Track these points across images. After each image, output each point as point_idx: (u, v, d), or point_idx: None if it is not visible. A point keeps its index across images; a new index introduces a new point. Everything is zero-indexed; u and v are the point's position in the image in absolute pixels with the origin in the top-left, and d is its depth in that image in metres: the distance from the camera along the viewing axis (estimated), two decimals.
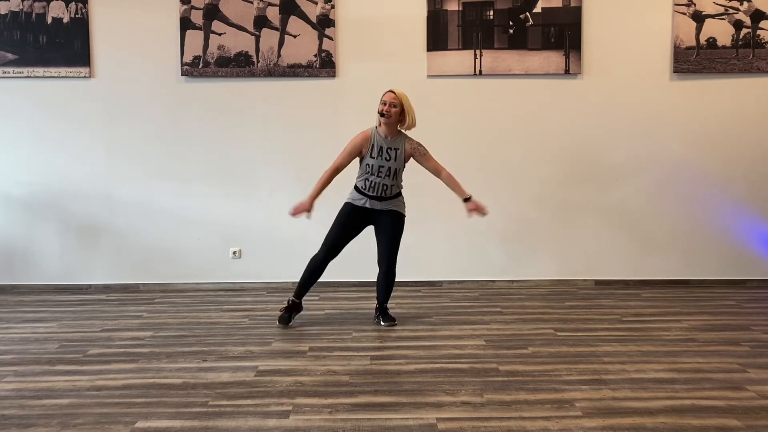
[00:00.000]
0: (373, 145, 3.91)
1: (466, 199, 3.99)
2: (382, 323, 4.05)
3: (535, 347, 3.57)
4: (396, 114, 3.87)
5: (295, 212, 3.92)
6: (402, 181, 4.03)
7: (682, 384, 3.00)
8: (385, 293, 4.09)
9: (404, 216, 4.04)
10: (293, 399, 2.85)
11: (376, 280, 4.11)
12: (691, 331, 3.88)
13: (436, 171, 4.01)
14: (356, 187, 4.00)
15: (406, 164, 4.01)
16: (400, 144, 3.94)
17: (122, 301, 4.80)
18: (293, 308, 4.11)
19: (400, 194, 4.04)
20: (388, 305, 4.16)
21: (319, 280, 5.12)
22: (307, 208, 3.90)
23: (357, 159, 3.99)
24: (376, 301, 4.17)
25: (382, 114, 3.86)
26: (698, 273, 5.26)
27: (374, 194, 3.95)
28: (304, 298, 4.18)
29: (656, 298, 4.82)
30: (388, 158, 3.91)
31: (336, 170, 3.93)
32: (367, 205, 3.96)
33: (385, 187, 3.94)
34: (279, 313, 4.12)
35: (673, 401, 2.79)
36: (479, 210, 3.97)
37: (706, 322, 4.11)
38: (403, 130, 3.97)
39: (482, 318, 4.22)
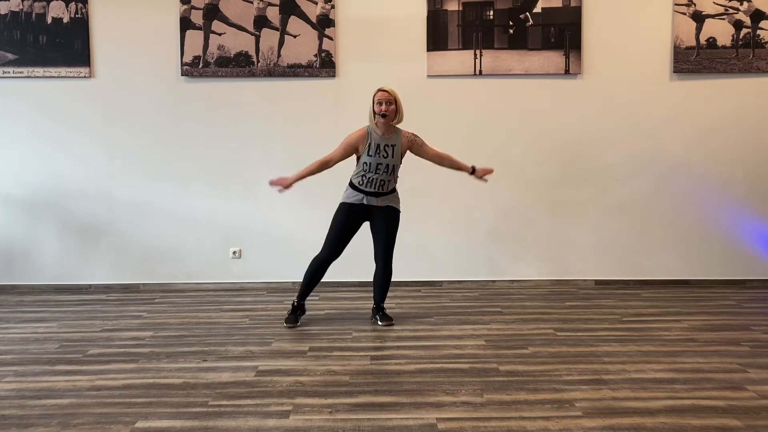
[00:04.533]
0: (370, 143, 3.92)
1: (473, 170, 4.09)
2: (380, 323, 4.05)
3: (535, 347, 3.57)
4: (393, 111, 3.89)
5: (273, 183, 4.00)
6: (398, 176, 4.05)
7: (682, 384, 3.00)
8: (381, 292, 4.11)
9: (399, 212, 4.06)
10: (293, 399, 2.85)
11: (372, 278, 4.13)
12: (691, 331, 3.88)
13: (439, 158, 4.06)
14: (352, 184, 4.01)
15: (403, 159, 4.03)
16: (396, 140, 3.96)
17: (122, 301, 4.80)
18: (297, 309, 4.13)
19: (395, 189, 4.06)
20: (385, 305, 4.17)
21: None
22: (285, 184, 3.98)
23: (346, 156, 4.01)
24: (372, 301, 4.19)
25: (382, 115, 3.86)
26: (698, 273, 5.26)
27: (372, 190, 3.95)
28: (307, 298, 4.19)
29: (656, 298, 4.81)
30: (385, 155, 3.92)
31: (326, 164, 3.95)
32: (364, 202, 3.96)
33: (382, 183, 3.95)
34: (285, 316, 4.15)
35: (673, 401, 2.79)
36: (487, 172, 4.12)
37: (706, 322, 4.11)
38: (395, 125, 3.99)
39: (482, 318, 4.22)
